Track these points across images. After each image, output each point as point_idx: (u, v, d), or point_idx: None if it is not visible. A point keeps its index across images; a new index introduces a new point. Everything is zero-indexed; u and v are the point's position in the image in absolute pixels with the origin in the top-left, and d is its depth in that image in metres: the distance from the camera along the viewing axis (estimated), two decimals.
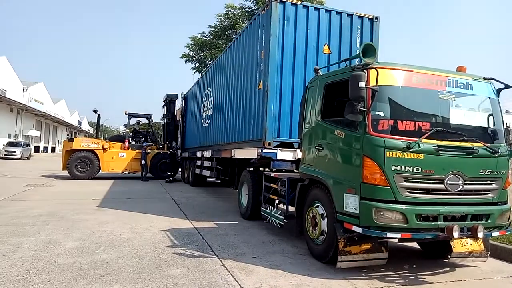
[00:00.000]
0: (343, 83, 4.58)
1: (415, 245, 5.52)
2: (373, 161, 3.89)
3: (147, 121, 19.18)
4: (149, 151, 16.46)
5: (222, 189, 13.38)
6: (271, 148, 6.56)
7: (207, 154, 11.19)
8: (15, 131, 41.89)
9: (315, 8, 6.99)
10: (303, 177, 5.20)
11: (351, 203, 4.05)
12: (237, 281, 4.02)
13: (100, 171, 15.83)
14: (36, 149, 46.53)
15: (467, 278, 4.44)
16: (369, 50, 4.11)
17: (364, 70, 4.05)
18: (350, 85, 3.92)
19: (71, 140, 16.33)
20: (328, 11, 7.06)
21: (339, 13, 7.11)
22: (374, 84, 3.95)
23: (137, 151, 16.54)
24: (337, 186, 4.31)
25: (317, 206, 4.71)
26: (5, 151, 30.10)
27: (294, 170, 7.04)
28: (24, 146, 32.48)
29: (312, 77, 6.95)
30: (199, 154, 12.40)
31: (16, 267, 4.12)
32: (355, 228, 3.98)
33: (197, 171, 12.79)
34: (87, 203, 9.02)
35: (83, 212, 7.68)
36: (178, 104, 18.43)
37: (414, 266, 4.70)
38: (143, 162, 15.84)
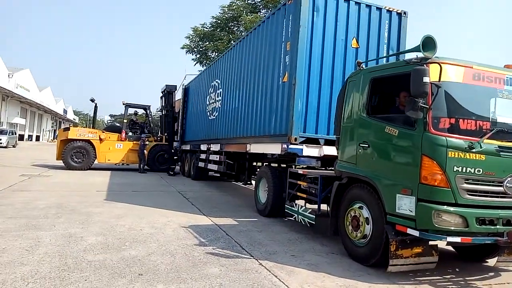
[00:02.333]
0: (394, 78, 4.41)
1: (448, 247, 5.38)
2: (434, 161, 3.69)
3: (145, 112, 18.68)
4: (147, 142, 16.01)
5: (225, 183, 13.15)
6: (297, 144, 6.32)
7: (214, 147, 10.87)
8: (0, 118, 40.52)
9: (345, 0, 6.75)
10: (341, 175, 4.98)
11: (405, 204, 3.85)
12: (282, 282, 3.81)
13: (96, 162, 15.33)
14: (21, 138, 45.06)
15: None
16: (429, 44, 3.90)
17: (424, 65, 3.84)
18: (412, 80, 3.70)
19: (66, 129, 15.72)
20: (358, 3, 6.82)
21: (369, 6, 6.90)
22: (437, 80, 3.74)
23: (134, 142, 16.07)
24: (387, 186, 4.09)
25: (361, 207, 4.48)
26: None
27: (316, 167, 6.84)
28: (10, 134, 31.35)
29: (338, 70, 6.79)
30: (203, 147, 12.06)
31: (45, 263, 3.80)
32: (410, 231, 3.78)
33: (201, 164, 12.45)
34: (92, 195, 8.64)
35: (92, 205, 7.31)
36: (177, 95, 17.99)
37: (457, 270, 4.56)
38: (142, 153, 15.40)
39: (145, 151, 15.48)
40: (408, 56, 4.57)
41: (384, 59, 6.43)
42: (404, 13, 7.20)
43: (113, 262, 4.00)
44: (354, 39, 6.85)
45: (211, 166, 11.41)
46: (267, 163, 8.10)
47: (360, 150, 4.58)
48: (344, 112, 5.04)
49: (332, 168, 6.15)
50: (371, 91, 4.61)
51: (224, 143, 10.09)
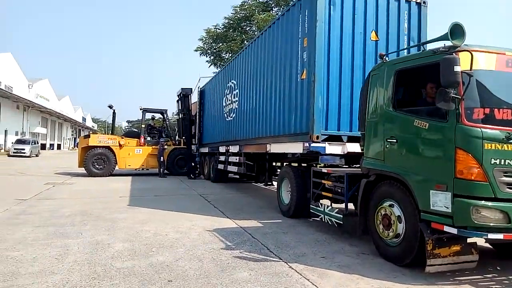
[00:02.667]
0: (420, 69, 4.24)
1: (485, 244, 5.15)
2: (469, 153, 3.52)
3: (162, 116, 18.81)
4: (165, 147, 16.11)
5: (244, 184, 13.08)
6: (319, 142, 6.18)
7: (233, 149, 10.82)
8: (22, 128, 41.65)
9: None
10: (368, 173, 4.82)
11: (440, 201, 3.67)
12: (315, 285, 3.70)
13: (117, 168, 15.51)
14: (43, 147, 46.22)
15: None
16: (457, 31, 3.72)
17: (453, 53, 3.66)
18: (442, 70, 3.53)
19: (87, 136, 16.01)
20: None
21: None
22: (468, 69, 3.56)
23: (153, 147, 16.22)
24: (420, 183, 3.92)
25: (391, 205, 4.32)
26: (14, 148, 29.80)
27: (339, 165, 6.68)
28: (33, 143, 32.19)
29: (358, 64, 6.61)
30: (222, 149, 12.02)
31: (75, 272, 3.80)
32: (447, 229, 3.61)
33: (220, 166, 12.43)
34: (115, 201, 8.71)
35: (117, 211, 7.35)
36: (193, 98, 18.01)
37: (498, 268, 4.33)
38: (161, 158, 15.50)
39: (162, 156, 15.55)
40: (431, 46, 4.39)
41: (406, 50, 6.23)
42: (424, 2, 6.97)
43: (141, 269, 3.97)
44: (373, 31, 6.67)
45: (230, 168, 11.36)
46: (287, 163, 7.98)
47: (387, 146, 4.42)
48: (368, 107, 4.89)
49: (357, 166, 6.00)
50: (396, 84, 4.45)
51: (243, 144, 10.02)
